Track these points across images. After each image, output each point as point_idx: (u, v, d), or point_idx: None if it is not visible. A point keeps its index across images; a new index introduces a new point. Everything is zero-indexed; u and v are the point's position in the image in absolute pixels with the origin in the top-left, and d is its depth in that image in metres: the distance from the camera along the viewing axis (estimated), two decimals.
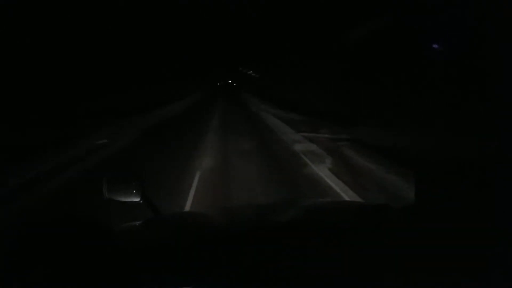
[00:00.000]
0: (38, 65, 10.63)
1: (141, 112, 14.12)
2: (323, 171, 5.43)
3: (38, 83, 10.41)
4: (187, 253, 0.90)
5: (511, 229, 0.87)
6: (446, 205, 1.14)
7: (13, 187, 4.90)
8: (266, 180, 4.97)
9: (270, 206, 1.86)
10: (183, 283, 0.74)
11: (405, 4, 7.68)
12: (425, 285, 0.77)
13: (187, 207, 3.85)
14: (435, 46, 4.83)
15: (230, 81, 69.16)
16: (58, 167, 6.05)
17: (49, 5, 11.31)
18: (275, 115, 13.72)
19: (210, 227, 1.32)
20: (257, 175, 5.18)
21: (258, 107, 18.28)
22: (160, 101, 18.58)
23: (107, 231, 1.04)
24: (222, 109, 18.11)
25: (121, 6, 17.10)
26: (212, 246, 0.94)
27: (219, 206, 3.56)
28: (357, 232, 1.04)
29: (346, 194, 4.33)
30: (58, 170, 5.86)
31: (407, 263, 0.83)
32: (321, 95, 13.09)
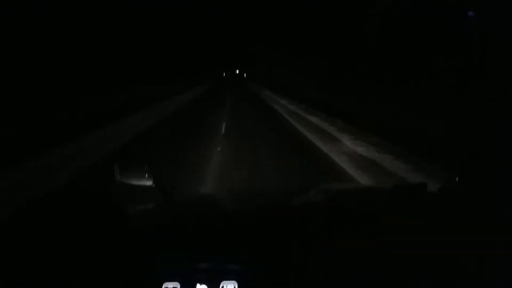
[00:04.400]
0: None
1: None
2: None
3: None
4: (200, 233, 0.88)
5: None
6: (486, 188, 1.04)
7: None
8: None
9: (290, 191, 1.80)
10: (197, 261, 0.73)
11: None
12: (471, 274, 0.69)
13: None
14: (470, 14, 4.52)
15: (237, 71, 68.96)
16: None
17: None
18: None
19: (225, 209, 1.29)
20: None
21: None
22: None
23: (122, 212, 1.04)
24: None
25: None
26: (227, 225, 0.93)
27: (234, 190, 3.45)
28: (391, 216, 0.95)
29: None
30: None
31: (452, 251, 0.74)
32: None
